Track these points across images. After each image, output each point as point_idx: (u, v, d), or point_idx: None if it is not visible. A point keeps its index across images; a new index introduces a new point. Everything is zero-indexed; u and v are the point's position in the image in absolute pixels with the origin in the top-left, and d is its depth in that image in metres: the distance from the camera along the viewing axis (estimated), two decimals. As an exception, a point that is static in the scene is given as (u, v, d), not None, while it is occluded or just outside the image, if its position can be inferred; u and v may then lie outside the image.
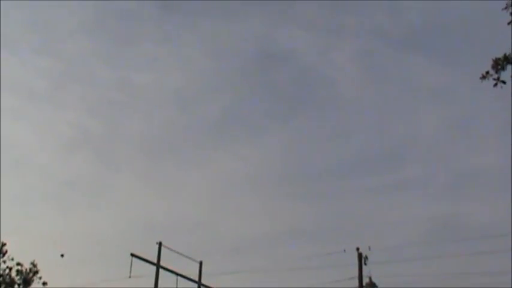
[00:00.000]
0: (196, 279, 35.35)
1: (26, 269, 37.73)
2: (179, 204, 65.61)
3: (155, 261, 33.66)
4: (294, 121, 72.70)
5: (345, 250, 31.44)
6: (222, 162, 70.66)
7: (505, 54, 16.33)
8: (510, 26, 15.95)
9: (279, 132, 72.56)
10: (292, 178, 67.98)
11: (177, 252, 34.53)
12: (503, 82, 16.28)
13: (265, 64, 75.15)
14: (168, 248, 34.29)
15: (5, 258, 37.18)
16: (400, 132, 69.00)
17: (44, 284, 38.15)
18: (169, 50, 76.09)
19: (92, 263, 56.00)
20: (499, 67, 16.35)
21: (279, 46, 73.60)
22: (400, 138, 68.58)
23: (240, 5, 74.96)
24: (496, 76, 16.38)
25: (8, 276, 36.79)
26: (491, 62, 16.50)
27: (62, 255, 36.49)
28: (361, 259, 31.05)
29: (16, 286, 37.30)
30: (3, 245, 37.13)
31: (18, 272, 37.47)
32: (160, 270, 33.64)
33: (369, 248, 30.95)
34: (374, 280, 32.46)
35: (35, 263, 38.32)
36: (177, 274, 34.26)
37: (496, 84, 16.33)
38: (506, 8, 15.99)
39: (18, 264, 37.64)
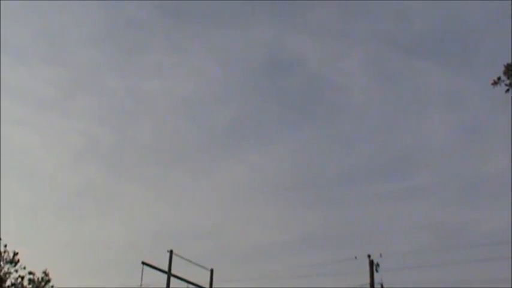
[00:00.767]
0: (208, 287, 35.37)
1: (38, 278, 37.84)
2: (189, 212, 65.74)
3: (166, 269, 33.72)
4: (304, 128, 72.75)
5: (356, 257, 31.37)
6: (231, 170, 70.77)
7: (516, 60, 16.32)
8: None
9: (289, 140, 72.62)
10: (302, 185, 67.99)
11: (188, 260, 34.57)
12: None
13: (274, 72, 75.29)
14: (179, 256, 34.34)
15: (17, 267, 37.31)
16: (410, 139, 68.89)
17: (56, 292, 38.28)
18: (178, 58, 76.41)
19: (103, 271, 56.25)
20: (511, 73, 16.34)
21: (288, 54, 73.74)
22: (409, 145, 68.46)
23: (249, 14, 75.24)
24: (507, 82, 16.36)
25: (20, 285, 36.92)
26: (502, 68, 16.48)
27: None
28: (373, 266, 30.92)
29: (28, 295, 37.45)
30: (16, 254, 37.28)
31: (30, 281, 37.57)
32: (172, 278, 33.68)
33: (380, 255, 30.86)
34: (386, 287, 32.32)
35: (46, 271, 38.44)
36: (188, 282, 34.28)
37: (508, 90, 16.31)
38: None
39: (30, 273, 37.74)
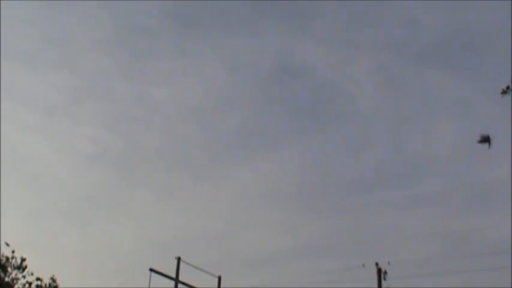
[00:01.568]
0: (215, 294, 35.39)
1: (46, 284, 37.86)
2: (198, 219, 65.66)
3: (174, 276, 33.74)
4: (312, 135, 72.67)
5: (364, 265, 31.32)
6: (240, 177, 70.73)
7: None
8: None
9: (297, 147, 72.53)
10: (311, 192, 67.84)
11: (196, 267, 34.58)
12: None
13: (283, 79, 75.26)
14: (187, 263, 34.36)
15: (25, 273, 37.34)
16: (418, 146, 68.62)
17: (64, 298, 38.30)
18: (187, 65, 76.51)
19: (110, 278, 56.25)
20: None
21: (297, 61, 73.69)
22: (417, 153, 68.18)
23: (258, 21, 75.29)
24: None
25: (28, 291, 36.99)
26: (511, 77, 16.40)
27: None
28: (381, 274, 30.87)
29: (36, 301, 37.50)
30: (23, 260, 37.35)
31: (38, 287, 37.63)
32: (179, 285, 33.69)
33: (388, 263, 30.80)
34: (393, 295, 32.21)
35: (54, 277, 38.43)
36: (196, 289, 34.29)
37: (516, 99, 16.23)
38: None
39: (37, 279, 37.71)
